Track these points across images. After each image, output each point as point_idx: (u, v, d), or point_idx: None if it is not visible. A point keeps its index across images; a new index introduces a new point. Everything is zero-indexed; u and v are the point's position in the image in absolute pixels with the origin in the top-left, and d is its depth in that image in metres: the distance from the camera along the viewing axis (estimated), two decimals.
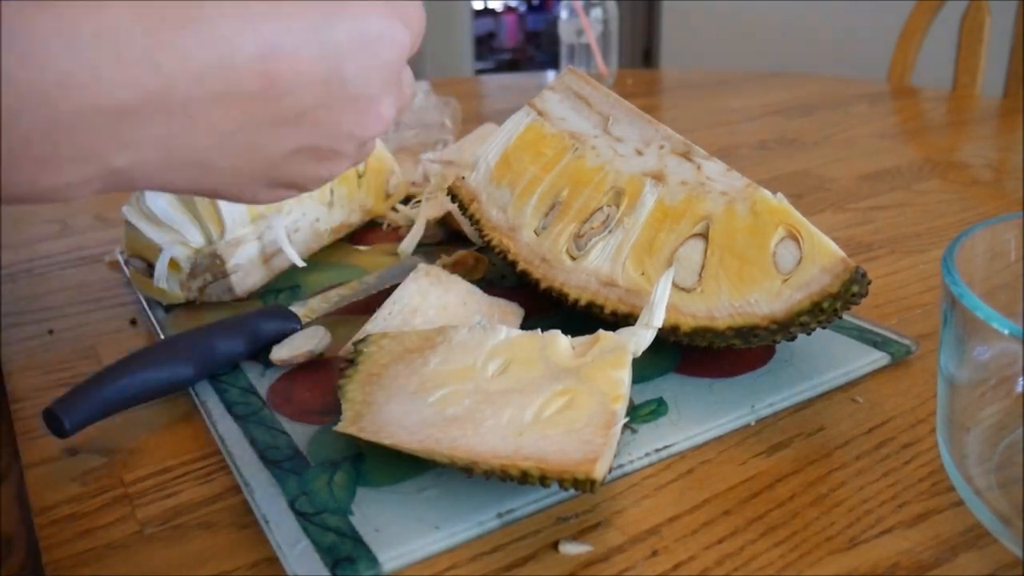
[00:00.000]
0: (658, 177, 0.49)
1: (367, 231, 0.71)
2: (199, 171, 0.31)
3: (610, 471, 0.37)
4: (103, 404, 0.42)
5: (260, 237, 0.59)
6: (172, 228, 0.57)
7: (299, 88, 0.31)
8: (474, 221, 0.54)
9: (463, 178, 0.55)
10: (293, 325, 0.51)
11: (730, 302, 0.44)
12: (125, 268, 0.64)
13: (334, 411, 0.42)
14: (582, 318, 0.48)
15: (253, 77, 0.30)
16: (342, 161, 0.36)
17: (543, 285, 0.50)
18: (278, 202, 0.40)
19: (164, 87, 0.28)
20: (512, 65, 4.85)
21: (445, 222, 0.66)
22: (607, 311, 0.47)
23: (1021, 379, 0.35)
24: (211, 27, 0.28)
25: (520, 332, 0.43)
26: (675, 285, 0.46)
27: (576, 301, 0.49)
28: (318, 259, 0.65)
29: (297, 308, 0.53)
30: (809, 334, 0.45)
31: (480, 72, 4.27)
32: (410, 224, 0.68)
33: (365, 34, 0.33)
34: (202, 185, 0.33)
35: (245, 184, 0.34)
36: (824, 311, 0.42)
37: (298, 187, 0.36)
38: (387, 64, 0.34)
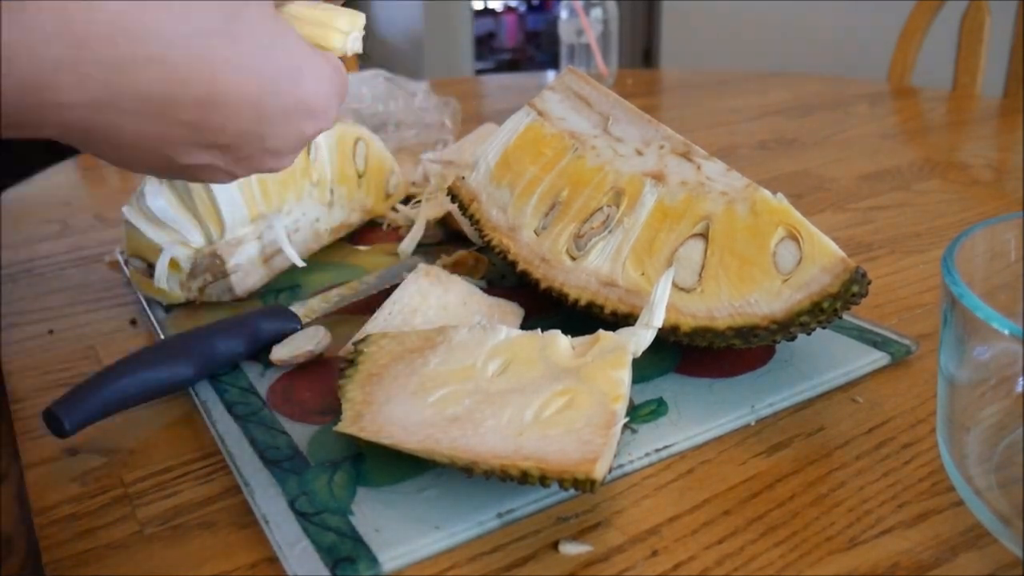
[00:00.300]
0: (658, 177, 0.49)
1: (367, 231, 0.71)
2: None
3: (610, 471, 0.37)
4: (103, 404, 0.42)
5: (260, 237, 0.59)
6: (172, 228, 0.57)
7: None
8: (474, 221, 0.54)
9: (463, 178, 0.55)
10: (293, 325, 0.51)
11: (730, 302, 0.44)
12: (125, 268, 0.64)
13: (334, 411, 0.42)
14: (582, 318, 0.48)
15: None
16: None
17: (543, 285, 0.50)
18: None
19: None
20: (512, 65, 4.85)
21: (445, 222, 0.66)
22: (607, 311, 0.47)
23: (1021, 379, 0.35)
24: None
25: (520, 332, 0.43)
26: (675, 285, 0.46)
27: (576, 301, 0.49)
28: (318, 259, 0.65)
29: (297, 308, 0.53)
30: (809, 334, 0.45)
31: (480, 72, 4.27)
32: (410, 224, 0.68)
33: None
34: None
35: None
36: (824, 311, 0.42)
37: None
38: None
